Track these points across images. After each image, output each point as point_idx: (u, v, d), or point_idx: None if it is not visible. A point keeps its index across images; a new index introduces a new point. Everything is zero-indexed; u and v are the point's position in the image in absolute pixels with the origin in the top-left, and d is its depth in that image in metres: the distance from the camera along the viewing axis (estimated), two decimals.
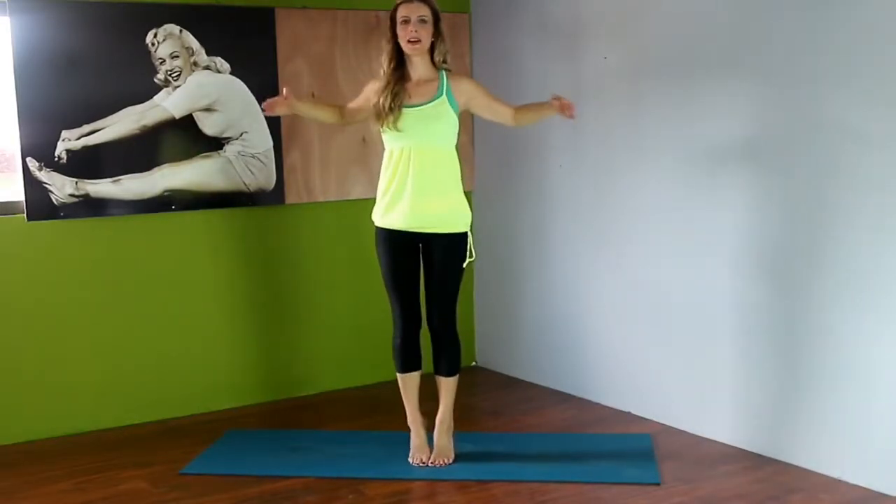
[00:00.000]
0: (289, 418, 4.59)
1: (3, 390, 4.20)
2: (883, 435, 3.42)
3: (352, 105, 3.86)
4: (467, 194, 3.85)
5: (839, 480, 3.54)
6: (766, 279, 3.80)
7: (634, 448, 3.97)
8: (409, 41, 3.59)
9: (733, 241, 3.91)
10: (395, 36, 3.64)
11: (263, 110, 3.75)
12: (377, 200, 3.76)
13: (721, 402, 4.01)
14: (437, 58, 3.67)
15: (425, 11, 3.60)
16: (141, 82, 4.35)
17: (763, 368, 3.84)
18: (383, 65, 3.69)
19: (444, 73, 3.68)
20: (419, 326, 3.85)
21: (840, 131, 3.48)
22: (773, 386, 3.80)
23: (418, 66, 3.66)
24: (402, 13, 3.61)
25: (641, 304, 4.36)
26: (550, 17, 4.70)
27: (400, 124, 3.62)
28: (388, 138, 3.70)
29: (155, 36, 4.36)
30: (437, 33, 3.64)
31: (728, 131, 3.90)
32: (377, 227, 3.77)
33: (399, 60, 3.66)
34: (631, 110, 4.32)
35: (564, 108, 3.64)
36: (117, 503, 3.56)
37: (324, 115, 3.89)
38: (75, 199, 4.25)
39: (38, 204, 4.18)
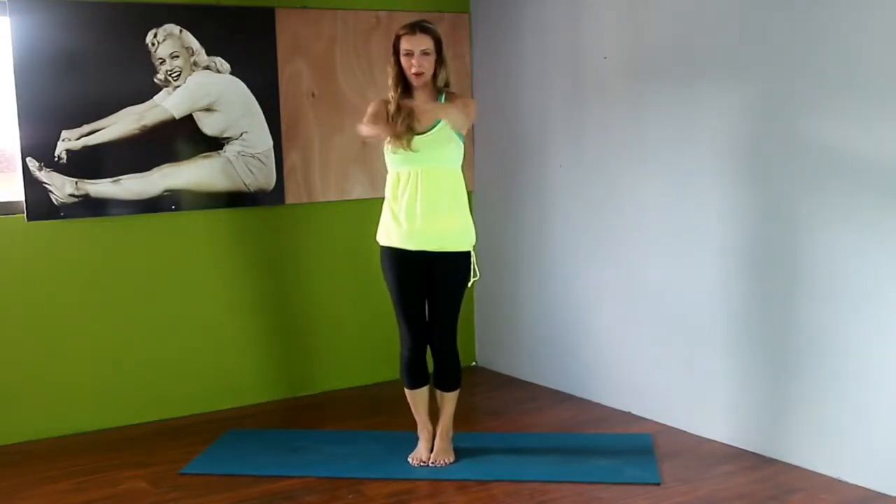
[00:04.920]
0: (289, 418, 4.59)
1: (4, 390, 4.20)
2: (882, 435, 3.42)
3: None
4: (468, 194, 3.85)
5: (839, 480, 3.54)
6: (766, 279, 3.80)
7: (634, 448, 3.97)
8: (413, 73, 3.61)
9: (734, 241, 3.90)
10: (398, 61, 3.65)
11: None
12: (383, 221, 3.76)
13: (721, 402, 4.01)
14: (439, 84, 3.68)
15: (428, 44, 3.60)
16: (141, 82, 4.35)
17: (763, 368, 3.84)
18: (390, 89, 3.69)
19: (443, 96, 3.69)
20: (427, 343, 3.86)
21: (839, 131, 3.48)
22: (773, 386, 3.80)
23: (421, 91, 3.68)
24: (405, 46, 3.61)
25: (642, 304, 4.36)
26: (550, 17, 4.70)
27: (414, 146, 3.62)
28: (397, 161, 3.69)
29: (155, 36, 4.36)
30: (439, 60, 3.65)
31: (728, 131, 3.89)
32: (383, 248, 3.77)
33: (405, 84, 3.67)
34: (631, 110, 4.32)
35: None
36: (117, 503, 3.56)
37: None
38: (75, 199, 4.25)
39: (38, 204, 4.18)
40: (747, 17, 3.79)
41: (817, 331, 3.61)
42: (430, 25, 3.64)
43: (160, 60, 4.38)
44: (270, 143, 4.66)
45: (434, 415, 3.90)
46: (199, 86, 4.47)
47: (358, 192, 4.92)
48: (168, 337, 4.55)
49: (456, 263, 3.74)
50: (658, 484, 3.58)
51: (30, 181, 4.15)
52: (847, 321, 3.51)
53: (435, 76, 3.66)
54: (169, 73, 4.40)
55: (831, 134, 3.51)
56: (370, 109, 3.74)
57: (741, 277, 3.89)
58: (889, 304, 3.37)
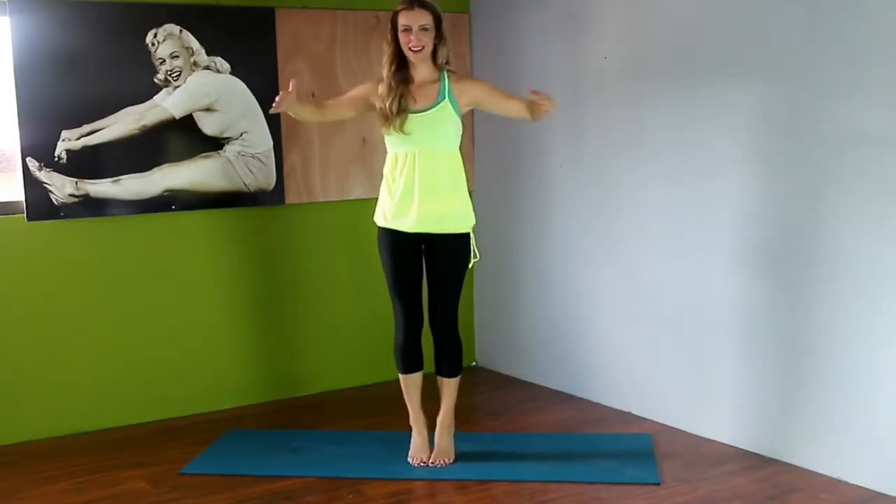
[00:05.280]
0: (289, 418, 4.59)
1: (4, 390, 4.20)
2: (883, 435, 3.42)
3: (342, 99, 3.80)
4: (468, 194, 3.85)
5: (839, 480, 3.54)
6: (766, 279, 3.80)
7: (634, 448, 3.97)
8: (411, 49, 3.58)
9: (734, 241, 3.91)
10: (396, 39, 3.61)
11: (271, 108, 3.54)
12: (381, 203, 3.75)
13: (721, 402, 4.01)
14: (440, 60, 3.64)
15: (426, 19, 3.56)
16: (141, 82, 4.35)
17: (763, 368, 3.84)
18: (384, 67, 3.65)
19: (445, 75, 3.66)
20: (422, 327, 3.84)
21: (839, 131, 3.48)
22: (774, 386, 3.80)
23: (420, 69, 3.64)
24: (402, 21, 3.56)
25: (642, 304, 4.36)
26: (550, 17, 4.70)
27: (406, 128, 3.61)
28: (393, 142, 3.68)
29: (155, 36, 4.36)
30: (439, 36, 3.61)
31: (728, 131, 3.89)
32: (381, 229, 3.76)
33: (401, 63, 3.63)
34: (631, 110, 4.32)
35: (540, 106, 3.54)
36: (117, 503, 3.56)
37: (327, 114, 3.79)
38: (75, 199, 4.25)
39: (38, 204, 4.18)
40: (748, 16, 3.78)
41: (818, 331, 3.61)
42: (429, 0, 3.58)
43: (160, 60, 4.38)
44: (270, 143, 4.65)
45: (431, 407, 3.88)
46: (199, 86, 4.47)
47: (358, 192, 4.92)
48: (168, 337, 4.55)
49: (455, 245, 3.71)
50: (658, 484, 3.58)
51: (30, 181, 4.15)
52: (847, 321, 3.51)
53: (435, 53, 3.62)
54: (169, 73, 4.40)
55: (832, 133, 3.51)
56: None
57: (741, 277, 3.89)
58: (889, 304, 3.37)
